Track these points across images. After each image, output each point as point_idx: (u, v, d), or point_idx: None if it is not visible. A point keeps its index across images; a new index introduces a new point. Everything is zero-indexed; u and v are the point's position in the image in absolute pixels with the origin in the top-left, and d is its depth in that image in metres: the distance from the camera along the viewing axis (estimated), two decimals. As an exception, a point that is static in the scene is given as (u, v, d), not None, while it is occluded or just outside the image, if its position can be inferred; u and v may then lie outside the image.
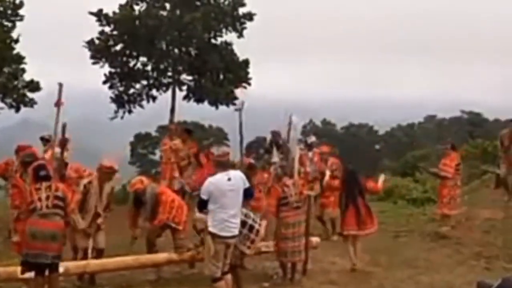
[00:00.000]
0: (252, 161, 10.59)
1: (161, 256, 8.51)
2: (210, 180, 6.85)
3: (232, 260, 7.19)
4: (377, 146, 69.42)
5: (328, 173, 11.36)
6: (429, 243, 10.56)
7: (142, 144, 54.01)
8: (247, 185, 7.03)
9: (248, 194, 7.07)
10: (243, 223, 7.39)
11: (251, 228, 7.59)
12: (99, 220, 8.26)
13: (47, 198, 6.94)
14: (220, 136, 57.93)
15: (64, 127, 8.54)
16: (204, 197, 6.81)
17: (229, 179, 6.80)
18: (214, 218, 6.80)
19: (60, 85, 8.54)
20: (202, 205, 6.91)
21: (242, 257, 7.83)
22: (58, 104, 8.46)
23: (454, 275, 8.74)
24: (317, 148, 12.65)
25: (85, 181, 8.31)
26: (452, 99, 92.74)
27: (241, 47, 19.80)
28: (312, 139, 13.15)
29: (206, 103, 18.94)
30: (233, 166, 8.13)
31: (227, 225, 6.78)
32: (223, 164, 6.97)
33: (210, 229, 6.82)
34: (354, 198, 9.02)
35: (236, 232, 6.93)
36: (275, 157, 11.84)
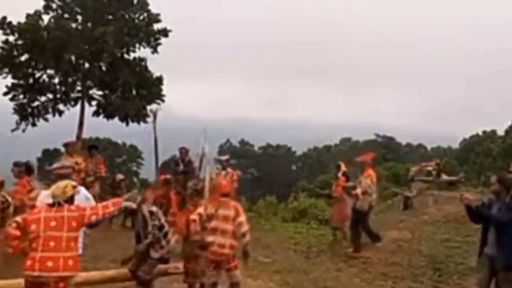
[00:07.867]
0: (168, 176, 10.34)
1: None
2: (45, 193, 6.40)
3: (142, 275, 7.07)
4: (294, 167, 70.34)
5: None
6: (338, 263, 10.54)
7: (50, 161, 51.75)
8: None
9: None
10: (161, 227, 7.30)
11: (166, 234, 7.45)
12: None
13: None
14: (133, 154, 56.58)
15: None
16: None
17: None
18: None
19: None
20: None
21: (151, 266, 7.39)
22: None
23: (362, 295, 8.69)
24: (232, 168, 12.50)
25: None
26: (367, 123, 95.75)
27: (157, 64, 19.47)
28: (225, 157, 13.00)
29: (116, 119, 18.41)
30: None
31: None
32: (63, 178, 6.45)
33: None
34: None
35: None
36: None
